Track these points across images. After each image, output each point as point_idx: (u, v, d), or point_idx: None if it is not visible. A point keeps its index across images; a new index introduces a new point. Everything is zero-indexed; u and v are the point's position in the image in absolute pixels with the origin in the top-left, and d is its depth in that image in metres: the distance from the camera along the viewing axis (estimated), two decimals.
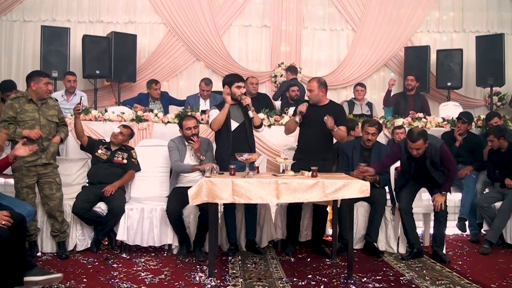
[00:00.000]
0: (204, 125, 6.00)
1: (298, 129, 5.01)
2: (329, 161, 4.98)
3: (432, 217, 4.87)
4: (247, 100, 4.79)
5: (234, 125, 4.81)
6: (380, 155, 5.00)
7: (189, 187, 3.99)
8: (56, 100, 4.88)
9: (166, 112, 6.89)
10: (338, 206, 4.72)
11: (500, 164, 5.45)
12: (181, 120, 5.03)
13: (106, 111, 6.14)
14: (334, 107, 4.89)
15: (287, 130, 5.08)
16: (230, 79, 4.90)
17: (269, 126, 6.22)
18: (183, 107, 6.79)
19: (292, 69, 7.83)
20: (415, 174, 4.88)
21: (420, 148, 4.60)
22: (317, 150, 4.80)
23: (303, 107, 4.80)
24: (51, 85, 4.57)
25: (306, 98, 5.25)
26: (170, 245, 4.84)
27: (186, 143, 5.00)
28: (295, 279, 4.02)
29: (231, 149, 4.69)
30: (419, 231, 5.13)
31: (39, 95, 4.49)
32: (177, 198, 4.72)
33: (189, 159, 4.99)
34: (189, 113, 6.05)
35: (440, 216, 4.75)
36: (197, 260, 4.56)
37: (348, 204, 4.20)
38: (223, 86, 4.91)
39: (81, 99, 5.82)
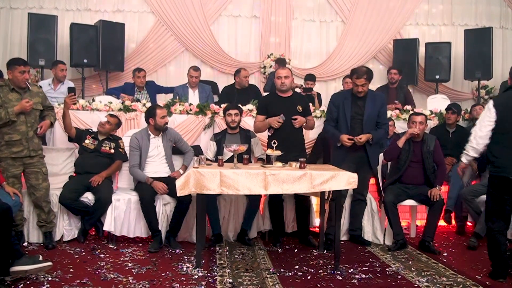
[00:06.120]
0: (192, 116, 5.99)
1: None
2: (305, 151, 5.03)
3: (418, 209, 4.89)
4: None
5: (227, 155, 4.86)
6: (375, 103, 4.78)
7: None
8: (40, 86, 4.79)
9: (153, 101, 6.84)
10: (326, 197, 4.74)
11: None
12: (153, 109, 4.96)
13: (93, 100, 6.07)
14: (300, 98, 4.83)
15: (258, 131, 5.04)
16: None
17: None
18: (171, 97, 6.75)
19: (280, 61, 7.80)
20: (407, 169, 4.92)
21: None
22: (293, 142, 4.76)
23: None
24: (28, 73, 4.39)
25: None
26: None
27: (152, 136, 4.97)
28: (282, 270, 4.04)
29: None
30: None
31: (15, 84, 4.38)
32: (149, 185, 4.79)
33: (155, 151, 4.97)
34: (178, 103, 6.05)
35: (437, 207, 4.79)
36: (173, 249, 4.58)
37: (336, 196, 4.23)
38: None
39: (74, 89, 5.69)
